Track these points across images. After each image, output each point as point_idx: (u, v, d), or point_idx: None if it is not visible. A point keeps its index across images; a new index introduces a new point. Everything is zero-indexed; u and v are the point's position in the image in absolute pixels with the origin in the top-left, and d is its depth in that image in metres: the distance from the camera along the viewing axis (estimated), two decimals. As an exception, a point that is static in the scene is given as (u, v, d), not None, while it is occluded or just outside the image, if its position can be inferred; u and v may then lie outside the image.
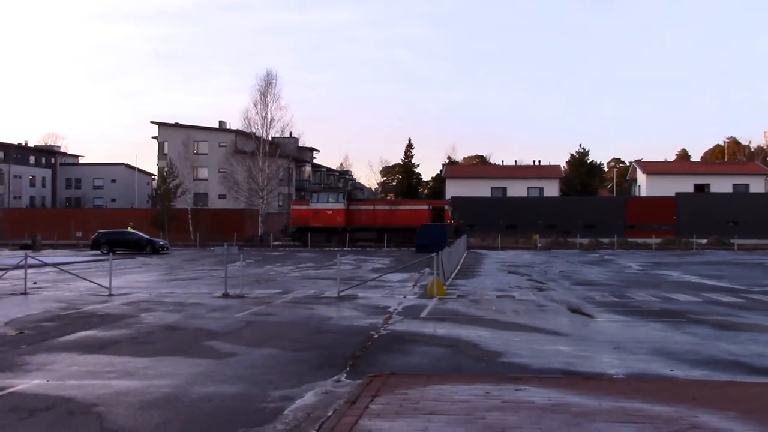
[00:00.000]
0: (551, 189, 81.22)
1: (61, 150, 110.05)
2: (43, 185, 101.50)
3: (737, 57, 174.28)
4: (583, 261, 40.13)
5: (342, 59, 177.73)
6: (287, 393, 9.05)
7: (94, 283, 22.68)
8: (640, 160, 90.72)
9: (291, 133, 74.62)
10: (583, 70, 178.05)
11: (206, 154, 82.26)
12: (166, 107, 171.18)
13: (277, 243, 60.43)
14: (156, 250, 47.36)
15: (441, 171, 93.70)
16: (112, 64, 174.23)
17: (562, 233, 63.34)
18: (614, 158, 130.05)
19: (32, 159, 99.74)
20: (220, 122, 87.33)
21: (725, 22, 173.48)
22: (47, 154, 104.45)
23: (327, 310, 17.59)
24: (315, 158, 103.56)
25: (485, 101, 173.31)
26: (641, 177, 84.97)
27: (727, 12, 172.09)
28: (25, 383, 9.59)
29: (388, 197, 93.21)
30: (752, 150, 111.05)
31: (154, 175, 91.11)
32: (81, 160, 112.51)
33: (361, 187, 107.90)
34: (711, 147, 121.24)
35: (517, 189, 79.71)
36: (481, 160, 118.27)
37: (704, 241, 59.45)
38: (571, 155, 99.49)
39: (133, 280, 26.66)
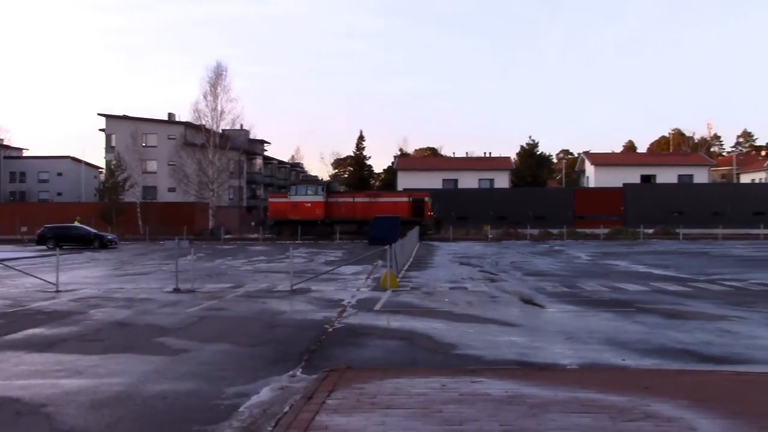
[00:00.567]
0: (502, 180, 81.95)
1: (5, 143, 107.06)
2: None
3: (682, 50, 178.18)
4: (534, 252, 40.61)
5: (293, 51, 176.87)
6: (242, 389, 8.93)
7: (41, 279, 22.17)
8: (588, 152, 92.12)
9: (242, 126, 74.10)
10: (533, 63, 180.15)
11: (155, 146, 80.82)
12: (113, 99, 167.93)
13: (228, 236, 59.79)
14: (104, 245, 46.63)
15: (393, 163, 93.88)
16: (58, 55, 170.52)
17: (513, 224, 64.09)
18: (563, 150, 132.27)
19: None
20: (170, 114, 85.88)
21: (671, 16, 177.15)
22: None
23: (280, 304, 17.47)
24: (266, 150, 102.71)
25: (436, 93, 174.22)
26: (589, 168, 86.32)
27: (673, 4, 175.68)
28: (-30, 384, 9.29)
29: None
30: (696, 141, 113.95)
31: (102, 169, 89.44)
32: (25, 153, 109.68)
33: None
34: (657, 138, 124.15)
35: (468, 180, 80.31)
36: (433, 152, 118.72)
37: (651, 231, 60.79)
38: (521, 147, 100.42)
39: (81, 276, 26.12)
